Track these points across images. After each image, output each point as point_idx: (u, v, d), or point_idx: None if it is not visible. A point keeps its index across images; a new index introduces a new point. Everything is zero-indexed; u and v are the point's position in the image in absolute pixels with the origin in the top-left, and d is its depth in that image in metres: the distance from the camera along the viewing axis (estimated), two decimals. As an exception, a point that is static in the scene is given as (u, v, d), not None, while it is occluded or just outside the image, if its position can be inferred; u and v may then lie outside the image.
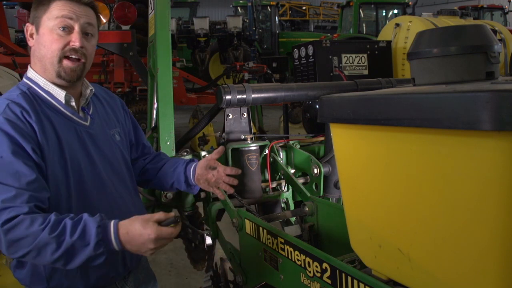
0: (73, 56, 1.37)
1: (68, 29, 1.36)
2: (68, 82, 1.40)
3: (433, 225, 0.88)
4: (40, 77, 1.40)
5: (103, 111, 1.56)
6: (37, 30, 1.38)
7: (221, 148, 1.66)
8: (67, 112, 1.41)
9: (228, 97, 1.88)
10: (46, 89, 1.40)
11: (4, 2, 7.73)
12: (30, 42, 1.41)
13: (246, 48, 10.92)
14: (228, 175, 1.62)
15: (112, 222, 1.23)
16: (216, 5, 24.10)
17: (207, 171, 1.63)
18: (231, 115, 2.03)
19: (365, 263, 1.12)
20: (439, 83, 1.05)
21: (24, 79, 1.43)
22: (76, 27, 1.37)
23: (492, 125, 0.71)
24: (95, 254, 1.20)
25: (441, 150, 0.83)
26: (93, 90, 1.52)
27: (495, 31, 4.77)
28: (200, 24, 11.13)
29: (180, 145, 2.16)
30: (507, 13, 14.33)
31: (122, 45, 4.55)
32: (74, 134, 1.40)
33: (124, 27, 5.12)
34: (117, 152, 1.54)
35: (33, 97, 1.37)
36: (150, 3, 2.30)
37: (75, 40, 1.36)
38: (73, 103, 1.44)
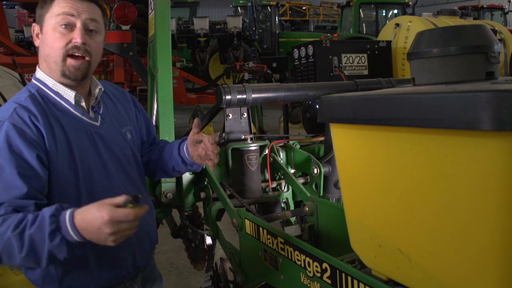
0: (76, 54, 1.34)
1: (70, 27, 1.33)
2: (73, 81, 1.37)
3: (433, 225, 0.88)
4: (48, 78, 1.38)
5: (113, 109, 1.53)
6: (41, 29, 1.36)
7: (197, 120, 1.60)
8: (76, 113, 1.39)
9: (228, 97, 1.88)
10: (55, 89, 1.37)
11: (4, 2, 7.73)
12: (36, 42, 1.39)
13: (246, 48, 10.93)
14: (212, 144, 1.55)
15: (68, 210, 1.13)
16: (216, 5, 24.11)
17: (196, 147, 1.59)
18: (231, 115, 2.03)
19: (365, 263, 1.12)
20: (439, 83, 1.05)
21: (33, 80, 1.41)
22: (78, 24, 1.33)
23: (492, 125, 0.71)
24: (53, 246, 1.11)
25: (441, 150, 0.83)
26: (103, 89, 1.49)
27: (495, 31, 4.77)
28: (200, 24, 11.13)
29: (180, 145, 2.16)
30: (507, 13, 14.34)
31: (122, 45, 4.55)
32: (84, 136, 1.38)
33: (124, 27, 5.12)
34: (128, 151, 1.52)
35: (42, 99, 1.35)
36: (150, 3, 2.30)
37: (76, 37, 1.32)
38: (83, 103, 1.41)
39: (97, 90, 1.47)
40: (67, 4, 1.33)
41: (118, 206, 1.10)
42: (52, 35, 1.33)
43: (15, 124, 1.25)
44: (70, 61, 1.34)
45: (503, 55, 4.53)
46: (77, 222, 1.11)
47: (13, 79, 3.77)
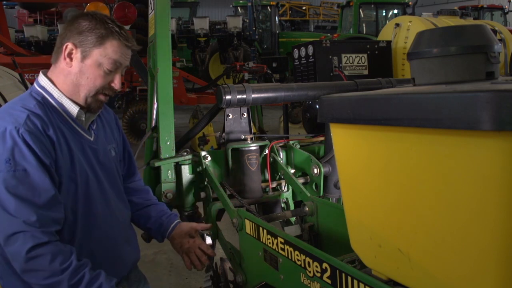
0: (108, 94, 1.43)
1: (114, 70, 1.41)
2: (93, 113, 1.45)
3: (433, 225, 0.88)
4: (54, 88, 1.39)
5: (101, 127, 1.58)
6: (83, 57, 1.37)
7: (209, 225, 1.75)
8: (76, 127, 1.42)
9: (228, 97, 1.88)
10: (60, 101, 1.40)
11: (4, 2, 7.73)
12: (66, 62, 1.38)
13: (246, 48, 10.92)
14: (201, 250, 1.66)
15: None
16: (216, 5, 24.10)
17: (184, 238, 1.68)
18: (231, 115, 2.03)
19: (365, 263, 1.12)
20: (439, 83, 1.05)
21: (37, 87, 1.41)
22: (120, 71, 1.43)
23: (492, 125, 0.71)
24: None
25: (441, 150, 0.83)
26: (101, 110, 1.54)
27: (495, 31, 4.77)
28: (200, 24, 11.12)
29: (180, 145, 2.16)
30: (507, 13, 14.33)
31: (122, 45, 4.56)
32: (81, 148, 1.42)
33: (124, 27, 5.13)
34: (113, 167, 1.58)
35: (48, 108, 1.37)
36: (150, 3, 2.30)
37: (117, 83, 1.43)
38: (83, 118, 1.45)
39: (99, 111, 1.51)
40: (121, 51, 1.40)
41: None
42: (96, 72, 1.38)
43: (31, 132, 1.26)
44: (100, 97, 1.42)
45: (503, 55, 4.53)
46: None
47: (13, 79, 3.77)
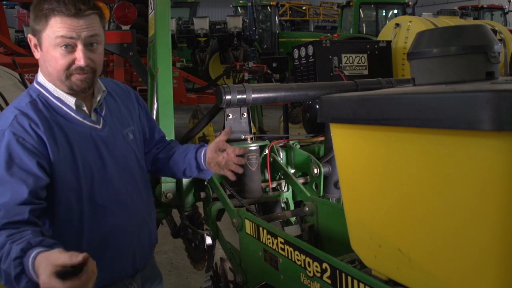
0: (81, 73, 1.32)
1: (71, 47, 1.29)
2: (82, 93, 1.36)
3: (433, 225, 0.88)
4: (49, 84, 1.38)
5: (116, 109, 1.52)
6: (40, 44, 1.33)
7: (228, 129, 1.68)
8: (78, 118, 1.39)
9: (228, 97, 1.88)
10: (56, 95, 1.37)
11: (4, 2, 7.73)
12: (36, 54, 1.37)
13: (246, 48, 10.92)
14: (237, 156, 1.63)
15: (32, 255, 1.09)
16: (216, 5, 24.11)
17: (217, 154, 1.63)
18: (231, 115, 2.03)
19: (365, 263, 1.12)
20: (439, 83, 1.05)
21: (35, 84, 1.40)
22: (79, 45, 1.29)
23: (492, 125, 0.71)
24: (21, 287, 1.10)
25: (441, 150, 0.83)
26: (106, 92, 1.47)
27: (495, 31, 4.77)
28: (200, 24, 11.13)
29: (180, 145, 2.16)
30: (507, 13, 14.33)
31: (122, 45, 4.55)
32: (85, 139, 1.39)
33: (124, 27, 5.12)
34: (131, 152, 1.53)
35: (43, 105, 1.35)
36: (150, 3, 2.30)
37: (80, 59, 1.30)
38: (85, 108, 1.41)
39: (100, 94, 1.45)
40: (64, 26, 1.27)
41: (58, 271, 1.02)
42: (54, 54, 1.30)
43: (15, 133, 1.25)
44: (76, 76, 1.33)
45: (503, 55, 4.53)
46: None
47: (13, 79, 3.76)
